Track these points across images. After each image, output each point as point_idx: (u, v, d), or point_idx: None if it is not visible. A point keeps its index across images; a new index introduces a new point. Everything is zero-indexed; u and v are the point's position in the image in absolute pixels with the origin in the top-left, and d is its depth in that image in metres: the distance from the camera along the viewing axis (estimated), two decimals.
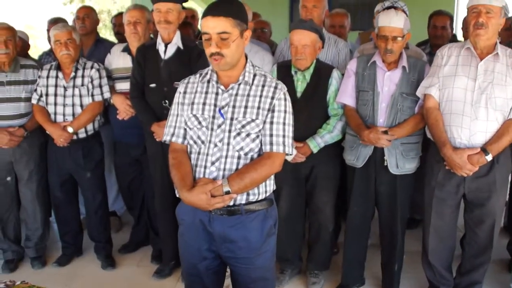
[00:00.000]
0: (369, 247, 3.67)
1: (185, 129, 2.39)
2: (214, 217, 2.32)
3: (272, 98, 2.30)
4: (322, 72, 3.42)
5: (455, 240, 3.34)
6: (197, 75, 2.43)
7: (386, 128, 3.18)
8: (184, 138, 2.40)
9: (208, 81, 2.37)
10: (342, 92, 3.35)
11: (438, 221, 3.21)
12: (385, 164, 3.24)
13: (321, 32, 3.41)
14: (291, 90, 3.39)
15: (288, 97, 2.37)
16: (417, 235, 3.85)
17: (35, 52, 7.34)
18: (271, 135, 2.30)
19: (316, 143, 3.36)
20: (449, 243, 3.29)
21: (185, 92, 2.41)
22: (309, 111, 3.40)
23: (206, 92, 2.36)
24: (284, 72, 3.46)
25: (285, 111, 2.34)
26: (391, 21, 3.16)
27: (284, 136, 2.32)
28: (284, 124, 2.33)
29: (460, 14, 12.27)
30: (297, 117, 3.31)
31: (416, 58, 3.38)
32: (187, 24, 4.65)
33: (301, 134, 3.36)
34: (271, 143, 2.30)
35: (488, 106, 2.93)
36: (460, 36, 5.36)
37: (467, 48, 3.04)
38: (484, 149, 2.92)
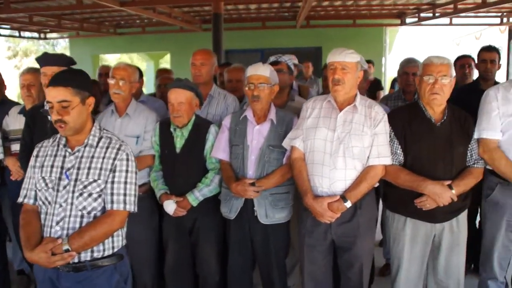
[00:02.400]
0: None
1: (35, 191, 2.51)
2: (62, 274, 2.44)
3: (114, 159, 2.48)
4: (200, 128, 3.58)
5: (331, 284, 3.43)
6: (51, 139, 2.59)
7: (254, 180, 3.34)
8: (35, 199, 2.52)
9: (58, 145, 2.51)
10: (216, 147, 3.52)
11: (311, 266, 3.32)
12: (255, 214, 3.39)
13: (197, 90, 3.58)
14: (171, 146, 3.56)
15: (131, 157, 2.53)
16: None
17: None
18: (112, 194, 2.46)
19: (194, 197, 3.49)
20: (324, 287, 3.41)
21: (37, 156, 2.57)
22: (188, 166, 3.55)
23: (55, 155, 2.51)
24: (165, 129, 3.62)
25: (127, 171, 2.50)
26: (257, 70, 3.41)
27: (125, 194, 2.48)
28: (125, 183, 2.49)
29: (389, 62, 12.94)
30: (177, 172, 3.54)
31: (285, 112, 3.58)
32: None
33: (181, 188, 3.54)
34: (112, 202, 2.46)
35: (346, 155, 3.10)
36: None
37: (328, 100, 3.25)
38: (343, 197, 3.09)
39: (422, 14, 10.24)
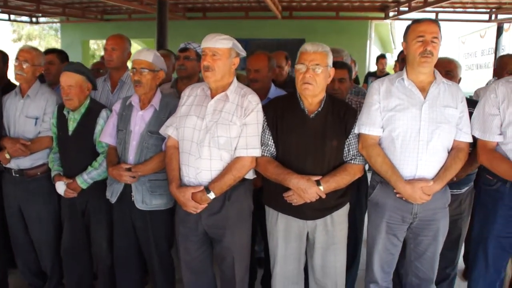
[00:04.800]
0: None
1: None
2: None
3: None
4: (92, 112, 3.59)
5: (210, 277, 3.37)
6: None
7: (130, 165, 3.31)
8: None
9: None
10: (104, 131, 3.51)
11: (187, 256, 3.25)
12: (133, 199, 3.37)
13: (88, 74, 3.59)
14: (65, 129, 3.60)
15: None
16: None
17: None
18: None
19: (83, 179, 3.51)
20: (204, 279, 3.33)
21: None
22: (79, 149, 3.58)
23: None
24: (60, 112, 3.65)
25: None
26: (139, 55, 3.37)
27: None
28: None
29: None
30: (68, 154, 3.58)
31: (172, 98, 3.54)
32: None
33: (73, 170, 3.58)
34: None
35: (211, 145, 3.02)
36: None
37: (202, 88, 3.20)
38: (206, 187, 3.03)
39: (401, 8, 10.08)
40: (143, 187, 3.36)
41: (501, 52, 11.67)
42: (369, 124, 3.05)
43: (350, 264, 3.57)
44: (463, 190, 3.65)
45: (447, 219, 3.19)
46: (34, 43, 22.75)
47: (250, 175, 3.19)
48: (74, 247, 3.73)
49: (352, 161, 3.09)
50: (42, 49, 4.38)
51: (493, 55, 11.56)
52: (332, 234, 3.14)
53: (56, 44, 22.40)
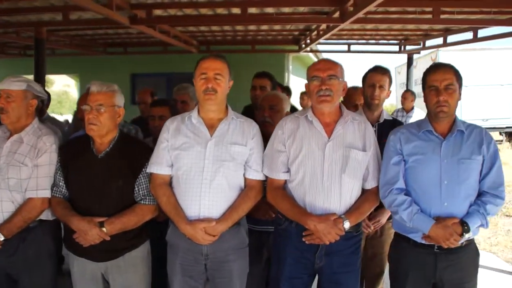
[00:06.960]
0: None
1: None
2: None
3: None
4: None
5: None
6: None
7: None
8: None
9: None
10: None
11: None
12: None
13: None
14: None
15: None
16: None
17: None
18: None
19: None
20: None
21: None
22: None
23: None
24: None
25: None
26: None
27: None
28: None
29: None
30: None
31: None
32: None
33: None
34: None
35: (2, 186, 3.08)
36: None
37: (3, 129, 3.27)
38: None
39: (308, 41, 10.34)
40: None
41: (413, 83, 12.10)
42: (158, 163, 3.07)
43: None
44: None
45: (245, 260, 3.19)
46: None
47: (49, 216, 3.24)
48: None
49: (142, 201, 3.13)
50: None
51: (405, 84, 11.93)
52: (126, 277, 3.14)
53: None
